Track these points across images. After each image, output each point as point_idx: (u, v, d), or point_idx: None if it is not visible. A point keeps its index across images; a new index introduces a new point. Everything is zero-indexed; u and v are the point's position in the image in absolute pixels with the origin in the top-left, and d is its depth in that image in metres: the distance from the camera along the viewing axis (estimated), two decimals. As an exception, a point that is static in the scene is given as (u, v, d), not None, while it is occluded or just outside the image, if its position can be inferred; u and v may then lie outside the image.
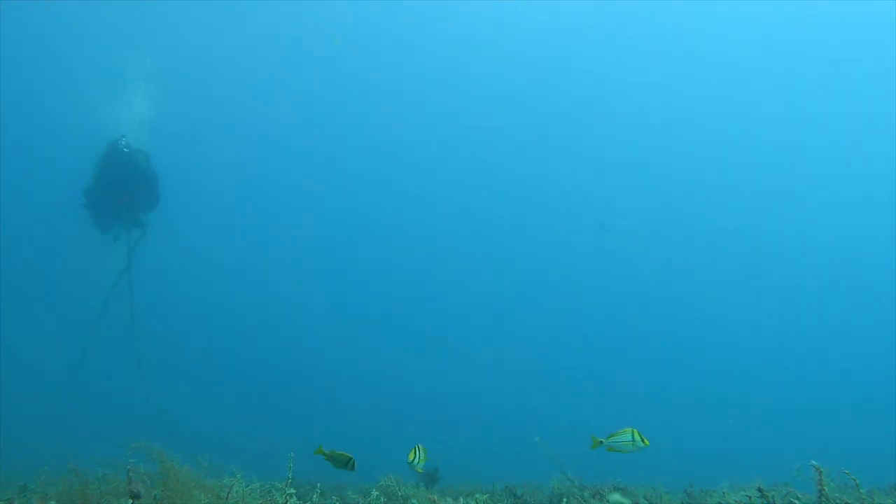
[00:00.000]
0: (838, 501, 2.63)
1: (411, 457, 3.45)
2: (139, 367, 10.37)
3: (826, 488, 2.55)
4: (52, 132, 20.89)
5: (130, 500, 2.79)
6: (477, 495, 3.82)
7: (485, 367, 23.82)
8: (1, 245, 19.87)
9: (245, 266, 25.76)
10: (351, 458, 3.34)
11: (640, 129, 24.85)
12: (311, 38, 22.67)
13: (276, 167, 25.77)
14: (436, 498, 3.44)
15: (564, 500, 3.80)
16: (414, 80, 24.57)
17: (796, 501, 3.24)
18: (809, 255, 25.97)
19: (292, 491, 3.32)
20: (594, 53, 23.44)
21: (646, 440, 3.29)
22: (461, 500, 3.66)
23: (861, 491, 2.75)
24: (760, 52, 22.60)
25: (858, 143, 24.10)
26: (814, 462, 2.48)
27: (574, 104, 24.66)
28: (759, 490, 3.02)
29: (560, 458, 4.51)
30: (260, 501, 3.35)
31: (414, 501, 4.19)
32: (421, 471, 3.45)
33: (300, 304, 25.96)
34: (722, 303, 25.83)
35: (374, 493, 4.19)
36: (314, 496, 3.59)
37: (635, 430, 3.31)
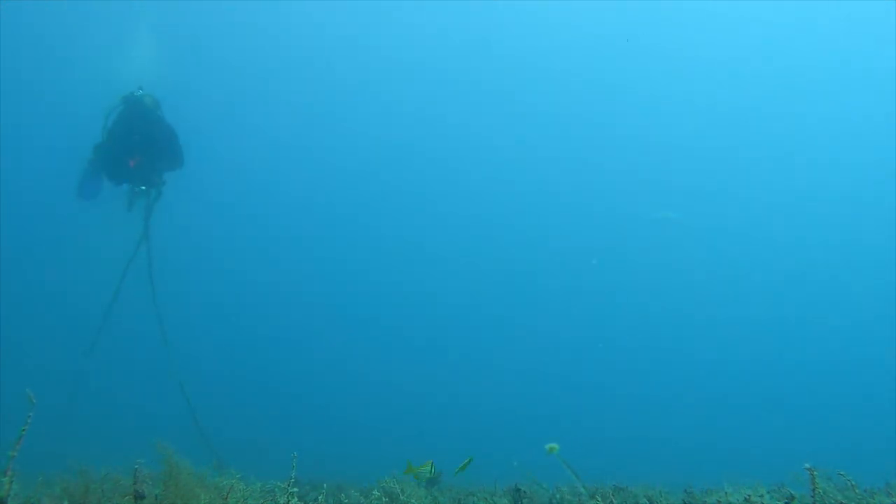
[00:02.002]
0: (833, 501, 2.66)
1: (416, 468, 3.50)
2: (167, 351, 9.67)
3: (822, 489, 2.58)
4: (51, 117, 20.66)
5: (133, 501, 2.81)
6: (492, 497, 3.84)
7: (488, 369, 23.80)
8: (2, 235, 19.64)
9: (247, 263, 25.74)
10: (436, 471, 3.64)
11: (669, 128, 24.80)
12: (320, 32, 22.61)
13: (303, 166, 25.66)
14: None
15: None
16: (440, 80, 24.59)
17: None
18: (811, 254, 25.95)
19: (295, 490, 3.35)
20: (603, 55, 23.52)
21: None
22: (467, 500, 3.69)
23: (857, 491, 2.78)
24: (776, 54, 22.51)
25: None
26: (807, 465, 2.51)
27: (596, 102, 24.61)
28: (747, 499, 3.04)
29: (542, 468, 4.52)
30: (262, 501, 3.38)
31: (415, 502, 4.22)
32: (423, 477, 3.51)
33: (303, 304, 25.96)
34: (722, 301, 25.80)
35: (376, 493, 4.21)
36: (319, 496, 3.62)
37: None
